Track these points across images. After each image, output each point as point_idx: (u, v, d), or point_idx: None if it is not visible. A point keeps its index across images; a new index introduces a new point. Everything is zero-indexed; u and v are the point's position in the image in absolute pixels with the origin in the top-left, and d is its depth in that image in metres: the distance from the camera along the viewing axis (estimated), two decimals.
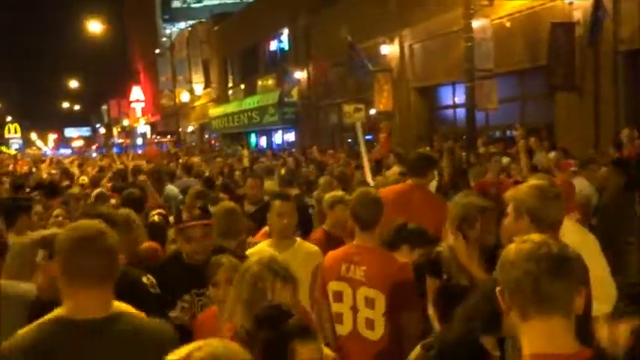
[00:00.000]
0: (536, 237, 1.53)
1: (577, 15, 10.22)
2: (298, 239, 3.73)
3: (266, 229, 3.95)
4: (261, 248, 3.54)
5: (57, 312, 1.74)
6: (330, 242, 3.79)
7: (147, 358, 1.69)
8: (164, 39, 41.65)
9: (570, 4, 10.33)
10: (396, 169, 6.43)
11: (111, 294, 1.86)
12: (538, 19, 11.00)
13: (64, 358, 1.39)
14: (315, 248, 3.66)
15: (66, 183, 8.69)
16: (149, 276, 2.81)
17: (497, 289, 1.55)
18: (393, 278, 3.05)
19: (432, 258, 3.03)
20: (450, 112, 15.55)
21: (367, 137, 17.37)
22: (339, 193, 4.46)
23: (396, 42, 15.57)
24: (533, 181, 2.59)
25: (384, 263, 3.12)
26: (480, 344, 1.95)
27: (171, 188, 6.96)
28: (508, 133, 13.45)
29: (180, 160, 13.74)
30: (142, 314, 2.06)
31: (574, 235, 2.66)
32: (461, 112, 14.30)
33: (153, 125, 39.69)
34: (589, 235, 3.11)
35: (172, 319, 2.91)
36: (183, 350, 1.25)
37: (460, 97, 14.58)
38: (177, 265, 3.23)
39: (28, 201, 4.84)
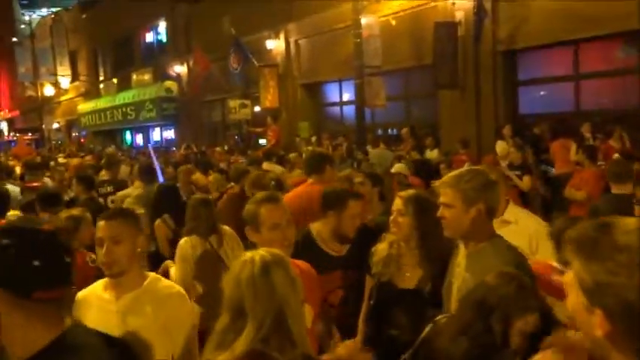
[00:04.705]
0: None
1: (459, 15, 10.46)
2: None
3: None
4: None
5: None
6: None
7: None
8: (23, 26, 37.57)
9: (453, 4, 10.57)
10: (299, 171, 5.99)
11: None
12: (423, 19, 11.12)
13: None
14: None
15: None
16: None
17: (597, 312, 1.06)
18: None
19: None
20: (337, 109, 15.46)
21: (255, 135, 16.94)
22: None
23: (282, 37, 15.16)
24: None
25: None
26: None
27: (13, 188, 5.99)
28: (389, 131, 13.60)
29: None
30: None
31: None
32: (347, 110, 14.23)
33: (10, 121, 35.73)
34: None
35: None
36: None
37: (347, 95, 14.53)
38: None
39: None
